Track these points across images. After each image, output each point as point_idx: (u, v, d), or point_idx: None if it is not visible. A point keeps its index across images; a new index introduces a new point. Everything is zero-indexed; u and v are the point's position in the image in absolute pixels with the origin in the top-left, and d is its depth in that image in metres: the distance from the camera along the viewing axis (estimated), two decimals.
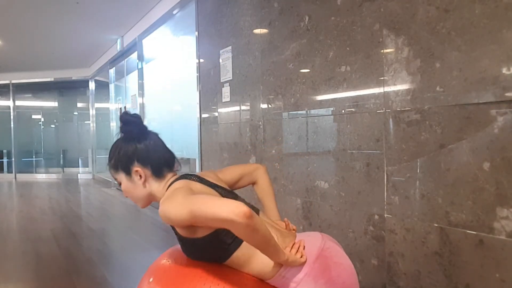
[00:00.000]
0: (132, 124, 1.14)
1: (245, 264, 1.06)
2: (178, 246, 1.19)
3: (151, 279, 1.08)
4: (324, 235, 1.19)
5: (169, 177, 1.17)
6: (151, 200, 1.20)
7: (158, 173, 1.15)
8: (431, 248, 1.50)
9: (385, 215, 1.70)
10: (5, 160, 9.48)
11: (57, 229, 3.70)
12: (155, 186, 1.15)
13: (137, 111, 5.65)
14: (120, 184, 1.19)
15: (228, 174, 1.31)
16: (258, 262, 1.05)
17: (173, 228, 1.09)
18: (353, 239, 1.88)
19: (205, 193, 1.07)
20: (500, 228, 1.27)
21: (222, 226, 0.89)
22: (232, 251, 1.04)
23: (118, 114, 6.89)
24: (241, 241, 1.04)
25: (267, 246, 0.94)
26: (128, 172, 1.15)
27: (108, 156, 1.20)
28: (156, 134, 1.21)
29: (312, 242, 1.11)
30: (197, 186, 1.08)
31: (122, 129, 1.15)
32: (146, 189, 1.15)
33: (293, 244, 1.08)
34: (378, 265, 1.74)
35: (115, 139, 1.20)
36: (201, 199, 0.94)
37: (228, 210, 0.85)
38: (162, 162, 1.16)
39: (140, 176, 1.13)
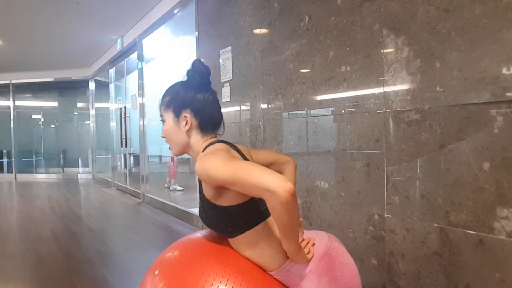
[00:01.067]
0: (198, 73, 1.14)
1: (251, 248, 1.07)
2: (184, 239, 1.20)
3: (156, 272, 1.08)
4: (331, 235, 1.19)
5: (210, 136, 1.17)
6: (186, 151, 1.19)
7: (203, 128, 1.15)
8: (431, 248, 1.50)
9: (385, 215, 1.70)
10: (5, 160, 9.48)
11: (57, 229, 3.70)
12: (196, 139, 1.15)
13: (137, 111, 5.66)
14: (163, 121, 1.18)
15: (261, 156, 1.30)
16: (265, 250, 1.05)
17: (200, 186, 1.10)
18: (353, 239, 1.88)
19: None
20: (500, 228, 1.27)
21: (261, 195, 0.89)
22: (243, 230, 1.05)
23: (119, 114, 6.89)
24: (255, 224, 1.05)
25: (291, 230, 0.94)
26: (177, 115, 1.14)
27: (164, 93, 1.19)
28: (215, 93, 1.20)
29: (319, 241, 1.12)
30: (237, 155, 1.09)
31: (189, 73, 1.15)
32: (187, 137, 1.15)
33: (303, 240, 1.09)
34: (378, 265, 1.74)
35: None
36: (248, 164, 0.94)
37: (275, 181, 0.86)
38: (211, 119, 1.16)
39: (186, 123, 1.13)
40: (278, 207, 0.88)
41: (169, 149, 1.21)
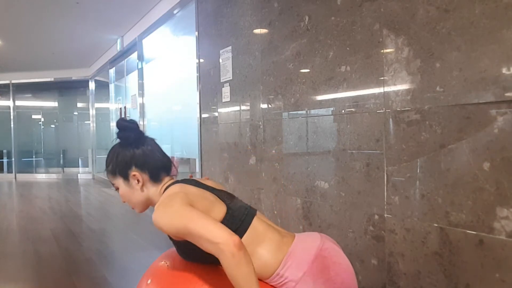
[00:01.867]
0: (128, 130, 1.16)
1: None
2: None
3: (149, 281, 1.08)
4: (323, 236, 1.19)
5: (166, 180, 1.18)
6: (149, 205, 1.21)
7: (155, 178, 1.16)
8: (431, 248, 1.50)
9: (385, 215, 1.70)
10: (5, 160, 9.48)
11: (57, 229, 3.70)
12: (153, 191, 1.16)
13: (137, 111, 5.66)
14: (117, 189, 1.19)
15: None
16: (256, 263, 1.04)
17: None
18: (353, 239, 1.88)
19: (200, 196, 1.06)
20: (500, 228, 1.27)
21: (210, 250, 0.89)
22: None
23: (118, 114, 6.89)
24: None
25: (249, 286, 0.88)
26: (126, 177, 1.16)
27: (105, 161, 1.21)
28: (152, 140, 1.21)
29: (311, 242, 1.11)
30: (192, 189, 1.08)
31: (119, 135, 1.16)
32: (144, 193, 1.16)
33: None
34: (378, 265, 1.74)
35: (114, 140, 1.20)
36: (198, 215, 0.94)
37: (222, 236, 0.86)
38: (159, 166, 1.17)
39: (138, 180, 1.14)
40: (227, 262, 0.86)
41: (133, 209, 1.22)
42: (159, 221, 0.96)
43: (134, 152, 1.15)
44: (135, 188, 1.16)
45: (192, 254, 1.07)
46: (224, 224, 1.00)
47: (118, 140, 1.18)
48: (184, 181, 1.14)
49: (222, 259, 0.88)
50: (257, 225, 1.09)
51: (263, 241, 1.06)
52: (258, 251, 1.04)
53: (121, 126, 1.15)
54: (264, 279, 1.06)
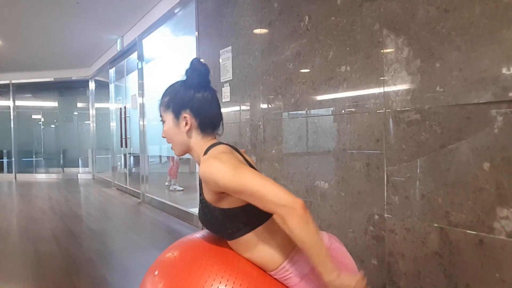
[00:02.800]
0: (197, 72, 1.13)
1: (250, 250, 1.06)
2: (184, 240, 1.20)
3: (156, 272, 1.09)
4: (331, 236, 1.19)
5: (211, 137, 1.16)
6: (188, 151, 1.18)
7: (203, 128, 1.14)
8: (431, 248, 1.50)
9: (385, 215, 1.70)
10: (5, 160, 9.48)
11: (57, 229, 3.70)
12: (196, 140, 1.14)
13: (137, 111, 5.66)
14: (163, 122, 1.18)
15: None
16: (265, 252, 1.05)
17: (200, 188, 1.09)
18: (353, 239, 1.88)
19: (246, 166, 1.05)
20: (500, 228, 1.27)
21: (275, 210, 0.91)
22: (243, 233, 1.05)
23: (119, 114, 6.88)
24: (255, 226, 1.05)
25: (314, 248, 0.91)
26: (177, 115, 1.14)
27: (163, 93, 1.18)
28: (215, 91, 1.19)
29: None
30: (242, 160, 1.08)
31: (188, 73, 1.14)
32: (187, 138, 1.15)
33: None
34: (378, 265, 1.74)
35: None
36: (257, 176, 0.94)
37: (289, 199, 0.88)
38: (211, 119, 1.15)
39: (186, 123, 1.12)
40: (293, 225, 0.89)
41: (171, 149, 1.20)
42: (213, 171, 0.94)
43: (195, 96, 1.13)
44: (181, 129, 1.14)
45: (213, 221, 1.07)
46: (247, 210, 1.02)
47: (184, 78, 1.16)
48: (232, 147, 1.13)
49: (289, 220, 0.89)
50: (270, 222, 1.10)
51: (276, 233, 1.06)
52: (269, 241, 1.05)
53: (193, 66, 1.13)
54: (269, 271, 1.07)
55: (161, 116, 1.18)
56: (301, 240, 0.91)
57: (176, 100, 1.14)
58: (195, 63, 1.13)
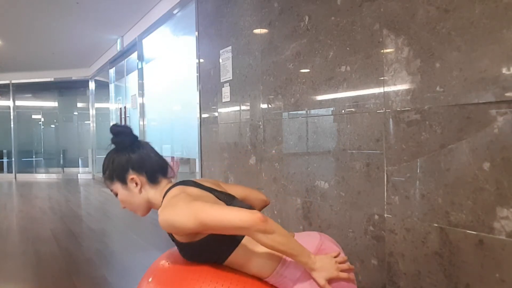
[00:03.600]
0: (122, 135, 1.16)
1: (243, 265, 1.07)
2: None
3: (150, 279, 1.08)
4: (323, 235, 1.19)
5: (164, 184, 1.18)
6: (150, 207, 1.20)
7: (153, 180, 1.16)
8: (431, 248, 1.50)
9: (385, 215, 1.70)
10: (5, 160, 9.48)
11: (57, 229, 3.70)
12: (152, 193, 1.16)
13: (137, 111, 5.66)
14: (116, 195, 1.19)
15: (233, 190, 1.28)
16: (257, 261, 1.05)
17: (170, 234, 1.10)
18: (353, 239, 1.88)
19: (202, 197, 1.07)
20: (500, 228, 1.27)
21: (240, 233, 0.94)
22: (229, 252, 1.05)
23: (119, 114, 6.89)
24: (238, 242, 1.05)
25: (287, 248, 0.95)
26: (123, 181, 1.16)
27: (102, 168, 1.21)
28: (147, 143, 1.22)
29: (310, 241, 1.12)
30: (193, 190, 1.09)
31: (113, 140, 1.17)
32: (143, 195, 1.16)
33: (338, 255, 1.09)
34: (378, 265, 1.74)
35: (109, 146, 1.21)
36: (212, 209, 0.95)
37: (245, 219, 0.90)
38: (156, 168, 1.18)
39: (136, 183, 1.15)
40: (261, 239, 0.92)
41: (135, 213, 1.22)
42: (169, 221, 0.96)
43: (130, 156, 1.15)
44: (134, 191, 1.16)
45: (196, 255, 1.08)
46: None
47: (112, 146, 1.18)
48: (183, 182, 1.14)
49: (255, 237, 0.93)
50: None
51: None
52: (258, 250, 1.05)
53: (114, 131, 1.16)
54: (264, 278, 1.07)
55: (111, 191, 1.20)
56: (272, 248, 0.95)
57: (116, 169, 1.16)
58: (115, 129, 1.16)
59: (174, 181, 1.21)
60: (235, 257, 1.06)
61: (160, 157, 1.21)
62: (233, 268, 1.08)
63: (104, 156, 1.20)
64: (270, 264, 1.05)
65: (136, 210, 1.20)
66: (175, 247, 1.22)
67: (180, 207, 0.96)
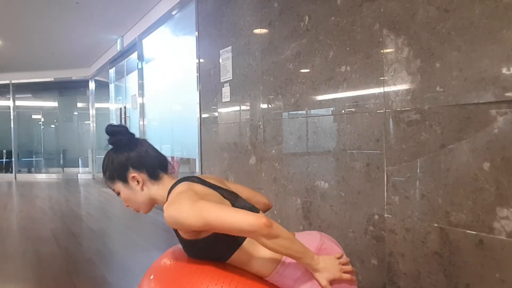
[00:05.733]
0: (119, 134, 1.16)
1: (246, 263, 1.07)
2: (180, 246, 1.20)
3: (151, 277, 1.09)
4: (323, 234, 1.19)
5: (167, 180, 1.18)
6: (153, 204, 1.20)
7: (154, 176, 1.17)
8: (431, 248, 1.50)
9: (385, 215, 1.70)
10: (5, 160, 9.48)
11: (57, 229, 3.70)
12: (154, 189, 1.16)
13: (137, 111, 5.66)
14: (118, 194, 1.19)
15: (235, 188, 1.28)
16: (258, 260, 1.06)
17: (175, 230, 1.10)
18: (353, 239, 1.88)
19: (209, 195, 1.07)
20: (500, 228, 1.27)
21: (243, 235, 0.95)
22: (233, 251, 1.05)
23: (119, 114, 6.89)
24: (242, 241, 1.05)
25: (290, 251, 0.96)
26: (125, 180, 1.16)
27: (102, 169, 1.21)
28: (145, 140, 1.22)
29: (310, 241, 1.12)
30: (199, 188, 1.08)
31: (110, 140, 1.17)
32: (145, 193, 1.16)
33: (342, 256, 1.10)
34: (378, 265, 1.74)
35: (106, 147, 1.21)
36: (218, 209, 0.95)
37: (250, 223, 0.90)
38: (156, 164, 1.18)
39: (138, 181, 1.15)
40: (265, 243, 0.92)
41: (138, 212, 1.22)
42: (174, 218, 0.96)
43: (129, 154, 1.15)
44: (136, 189, 1.16)
45: (200, 253, 1.08)
46: None
47: (110, 147, 1.18)
48: (188, 178, 1.13)
49: (259, 241, 0.93)
50: None
51: None
52: (260, 249, 1.06)
53: (110, 132, 1.16)
54: (264, 277, 1.07)
55: (113, 190, 1.20)
56: (276, 251, 0.95)
57: (116, 168, 1.16)
58: (111, 129, 1.16)
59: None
60: (237, 256, 1.06)
61: (159, 153, 1.21)
62: (234, 266, 1.08)
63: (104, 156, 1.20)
64: (271, 263, 1.06)
65: (139, 207, 1.20)
66: (177, 245, 1.22)
67: (186, 204, 0.96)
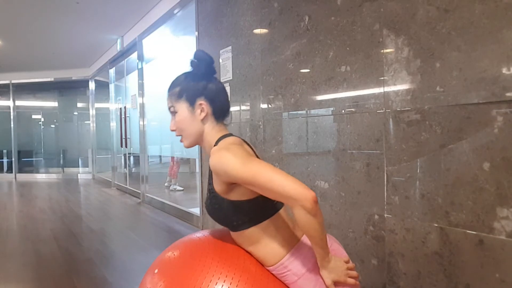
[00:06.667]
0: (203, 62, 1.13)
1: (253, 244, 1.07)
2: (184, 239, 1.20)
3: (156, 271, 1.09)
4: (331, 237, 1.19)
5: (222, 128, 1.17)
6: (199, 141, 1.17)
7: (217, 116, 1.15)
8: (431, 248, 1.50)
9: (385, 215, 1.70)
10: (5, 160, 9.48)
11: (57, 229, 3.70)
12: (209, 128, 1.15)
13: (137, 111, 5.66)
14: (173, 114, 1.15)
15: None
16: (266, 246, 1.06)
17: (210, 178, 1.09)
18: (353, 239, 1.88)
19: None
20: (500, 228, 1.27)
21: (284, 201, 0.92)
22: (247, 226, 1.05)
23: (119, 114, 6.89)
24: (260, 221, 1.05)
25: (317, 235, 0.95)
26: (192, 103, 1.13)
27: (171, 84, 1.17)
28: (223, 84, 1.21)
29: None
30: (251, 152, 1.08)
31: (193, 63, 1.13)
32: (201, 126, 1.14)
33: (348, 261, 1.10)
34: (378, 265, 1.74)
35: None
36: (268, 167, 0.94)
37: (299, 190, 0.88)
38: (223, 107, 1.16)
39: (202, 110, 1.12)
40: (301, 215, 0.90)
41: (181, 141, 1.18)
42: (224, 162, 0.94)
43: (207, 84, 1.13)
44: (197, 117, 1.13)
45: (220, 211, 1.07)
46: (255, 204, 1.03)
47: (191, 69, 1.15)
48: (241, 138, 1.14)
49: (297, 213, 0.90)
50: (282, 213, 1.11)
51: (279, 229, 1.07)
52: (272, 237, 1.06)
53: (198, 56, 1.13)
54: (267, 266, 1.07)
55: (171, 107, 1.16)
56: (304, 228, 0.93)
57: (189, 89, 1.13)
58: (200, 54, 1.13)
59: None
60: (249, 232, 1.06)
61: (229, 101, 1.20)
62: (238, 254, 1.08)
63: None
64: (279, 253, 1.05)
65: (187, 136, 1.16)
66: (181, 239, 1.22)
67: (239, 154, 0.96)
